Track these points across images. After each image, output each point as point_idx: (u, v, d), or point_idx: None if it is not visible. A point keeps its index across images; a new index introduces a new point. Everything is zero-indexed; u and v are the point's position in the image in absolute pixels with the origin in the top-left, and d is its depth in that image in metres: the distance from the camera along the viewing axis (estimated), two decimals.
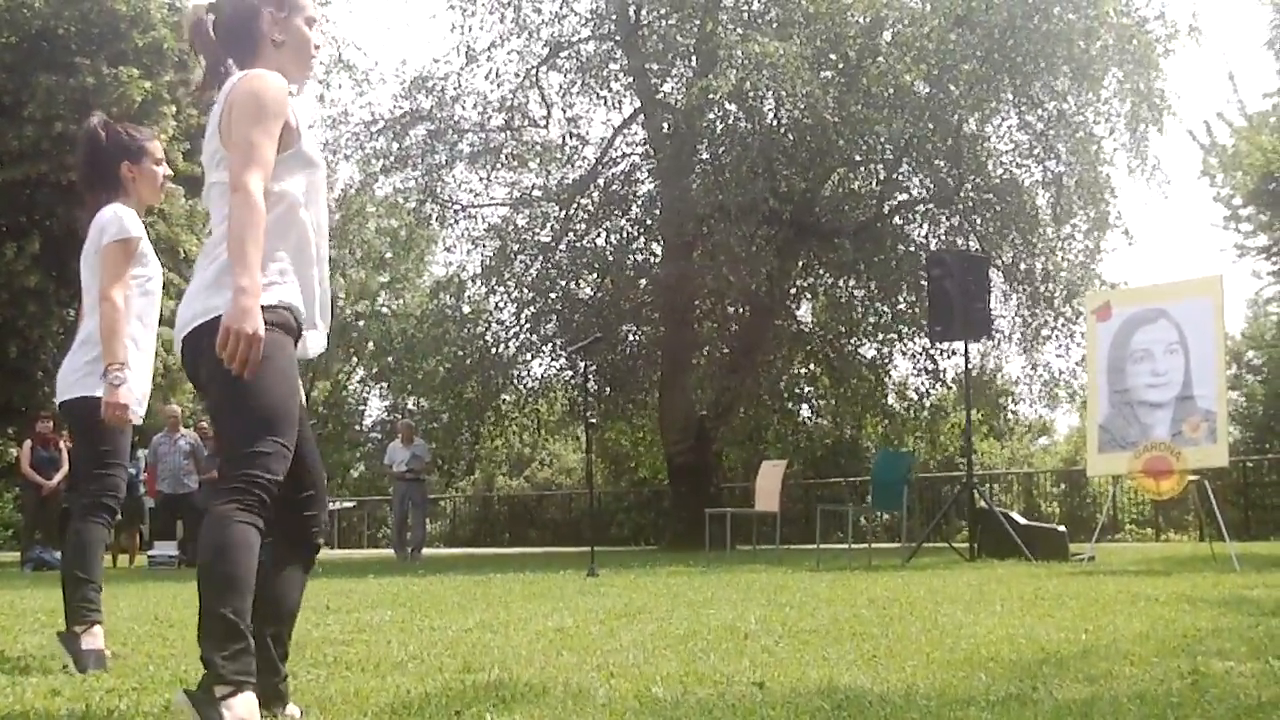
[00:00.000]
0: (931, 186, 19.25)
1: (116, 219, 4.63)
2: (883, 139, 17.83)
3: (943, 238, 19.57)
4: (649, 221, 20.63)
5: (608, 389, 21.47)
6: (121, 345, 4.51)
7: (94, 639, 4.34)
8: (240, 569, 2.97)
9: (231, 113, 3.19)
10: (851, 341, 21.54)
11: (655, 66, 19.46)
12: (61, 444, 15.18)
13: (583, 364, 17.05)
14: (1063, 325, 19.22)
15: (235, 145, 3.15)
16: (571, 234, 20.89)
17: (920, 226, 20.38)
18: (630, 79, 20.18)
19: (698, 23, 18.27)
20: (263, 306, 3.03)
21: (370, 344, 35.21)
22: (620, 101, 20.92)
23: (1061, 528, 13.40)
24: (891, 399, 21.64)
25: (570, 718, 3.11)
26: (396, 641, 5.03)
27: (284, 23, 3.38)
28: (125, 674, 4.05)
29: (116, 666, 4.29)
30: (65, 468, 15.07)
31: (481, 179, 21.33)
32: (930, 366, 20.67)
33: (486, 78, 20.72)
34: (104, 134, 4.76)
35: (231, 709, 2.81)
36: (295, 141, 3.27)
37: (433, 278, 31.43)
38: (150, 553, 16.82)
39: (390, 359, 24.32)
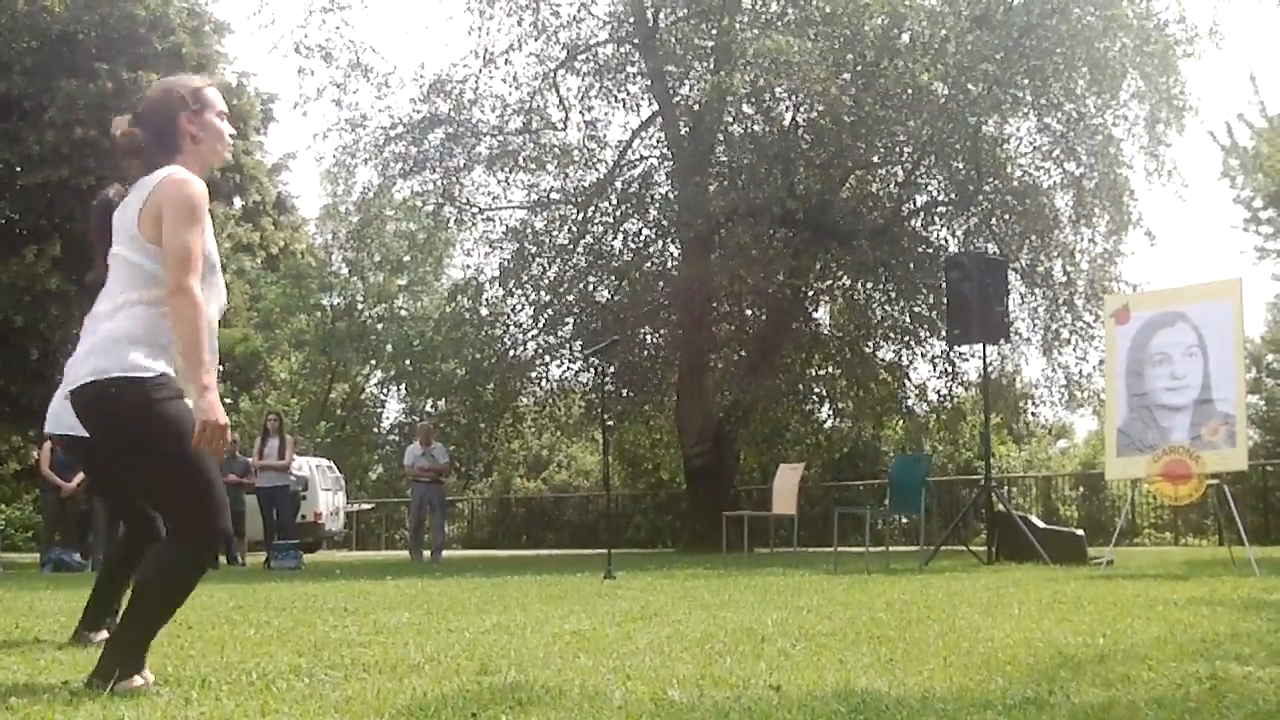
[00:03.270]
0: (950, 188, 19.20)
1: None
2: (901, 140, 17.80)
3: (961, 240, 19.52)
4: (666, 224, 20.64)
5: (625, 391, 21.47)
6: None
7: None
8: (177, 608, 3.81)
9: (163, 211, 3.71)
10: (870, 344, 21.50)
11: (673, 69, 19.46)
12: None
13: (600, 366, 17.08)
14: (1082, 328, 19.14)
15: (173, 248, 3.68)
16: (589, 236, 20.91)
17: (939, 228, 20.33)
18: (648, 81, 20.19)
19: (715, 24, 18.26)
20: (165, 376, 3.69)
21: (389, 346, 35.31)
22: (638, 104, 20.95)
23: (1080, 531, 13.35)
24: (911, 401, 21.59)
25: None
26: (414, 643, 5.04)
27: (199, 120, 3.95)
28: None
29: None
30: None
31: (499, 182, 21.39)
32: (949, 369, 20.63)
33: (504, 81, 20.83)
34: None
35: (133, 682, 3.63)
36: (203, 238, 3.81)
37: (451, 280, 31.53)
38: None
39: (408, 361, 24.38)
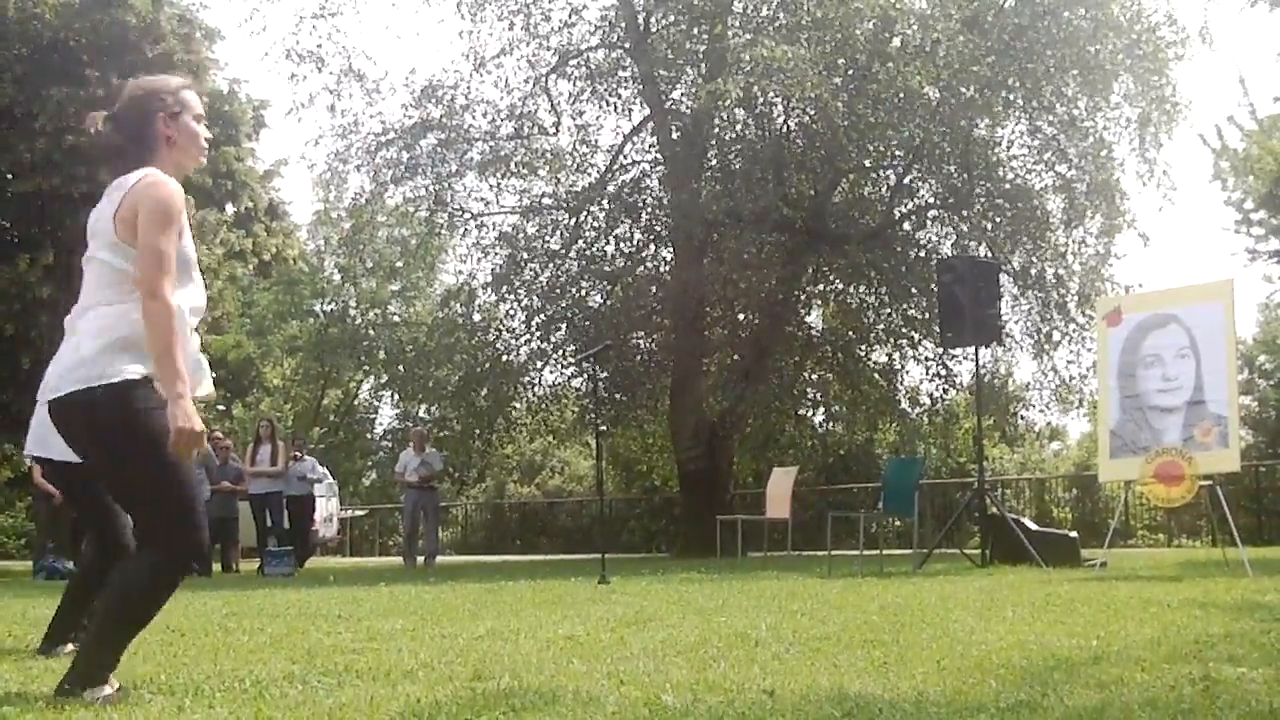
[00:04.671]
0: (942, 192, 19.22)
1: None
2: (893, 144, 17.82)
3: (953, 243, 19.54)
4: (659, 228, 20.65)
5: (618, 396, 21.45)
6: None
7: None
8: (150, 618, 3.82)
9: (138, 213, 3.68)
10: (863, 347, 21.51)
11: (664, 73, 19.46)
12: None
13: (593, 371, 17.04)
14: (1074, 331, 19.17)
15: (147, 252, 3.65)
16: (581, 241, 20.91)
17: (931, 232, 20.35)
18: (640, 86, 20.19)
19: (706, 29, 18.27)
20: (147, 380, 3.67)
21: (381, 352, 35.29)
22: (630, 109, 20.94)
23: (1073, 533, 13.36)
24: (904, 405, 21.59)
25: None
26: (407, 649, 5.03)
27: (175, 122, 3.91)
28: (137, 682, 4.06)
29: (126, 674, 4.29)
30: None
31: (491, 187, 21.37)
32: (942, 372, 20.64)
33: (496, 86, 20.81)
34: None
35: (101, 690, 3.62)
36: (181, 241, 3.79)
37: (443, 286, 31.55)
38: None
39: (401, 367, 24.35)
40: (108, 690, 3.63)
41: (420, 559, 17.56)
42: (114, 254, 3.73)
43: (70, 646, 5.10)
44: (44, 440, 5.50)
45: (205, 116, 4.09)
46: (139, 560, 3.83)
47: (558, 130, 21.08)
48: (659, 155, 20.34)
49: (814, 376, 22.52)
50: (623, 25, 20.04)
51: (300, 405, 40.55)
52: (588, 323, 20.34)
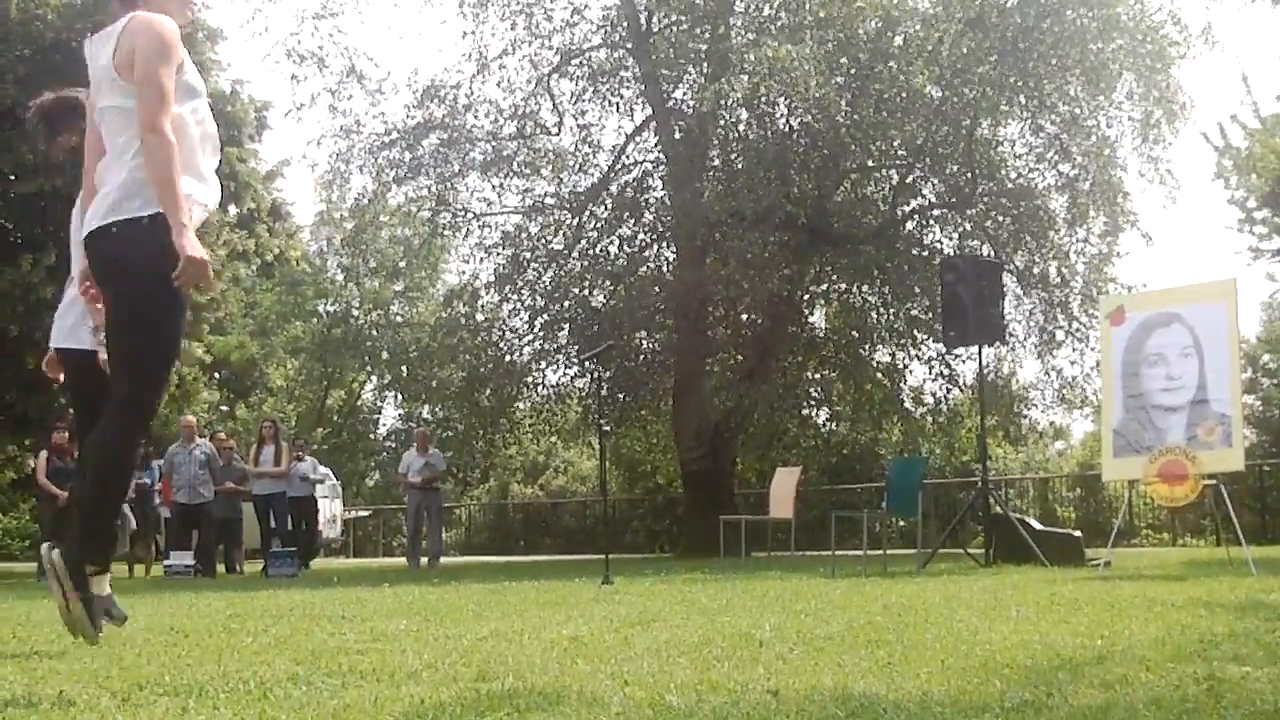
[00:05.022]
0: (945, 191, 19.22)
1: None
2: (896, 143, 17.81)
3: (956, 242, 19.54)
4: (661, 228, 20.66)
5: (622, 396, 21.47)
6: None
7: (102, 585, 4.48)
8: (124, 486, 3.95)
9: (135, 49, 3.72)
10: (866, 347, 21.51)
11: (667, 73, 19.47)
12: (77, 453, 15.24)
13: (596, 371, 17.04)
14: (1077, 330, 19.17)
15: (146, 85, 3.69)
16: (584, 241, 20.92)
17: (934, 231, 20.38)
18: (642, 86, 20.21)
19: (709, 29, 18.28)
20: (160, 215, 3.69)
21: (384, 353, 35.33)
22: (632, 108, 20.97)
23: (1077, 533, 13.35)
24: (907, 404, 21.59)
25: None
26: (411, 650, 5.03)
27: None
28: (140, 683, 4.06)
29: (129, 676, 4.30)
30: None
31: (494, 187, 21.41)
32: (945, 372, 20.65)
33: (498, 86, 20.82)
34: None
35: (98, 582, 3.81)
36: (183, 74, 3.84)
37: (446, 286, 31.55)
38: (166, 562, 16.84)
39: (404, 368, 24.40)
40: (107, 590, 3.85)
41: (424, 560, 17.56)
42: (122, 96, 3.79)
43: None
44: (73, 330, 5.47)
45: None
46: (104, 424, 3.91)
47: (560, 130, 21.11)
48: (661, 155, 20.35)
49: (817, 376, 22.54)
50: (625, 25, 20.06)
51: (303, 406, 40.60)
52: (591, 323, 20.35)
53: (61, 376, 5.57)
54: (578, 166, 21.17)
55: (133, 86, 3.73)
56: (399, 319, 37.99)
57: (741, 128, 19.38)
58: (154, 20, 3.76)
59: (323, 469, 18.37)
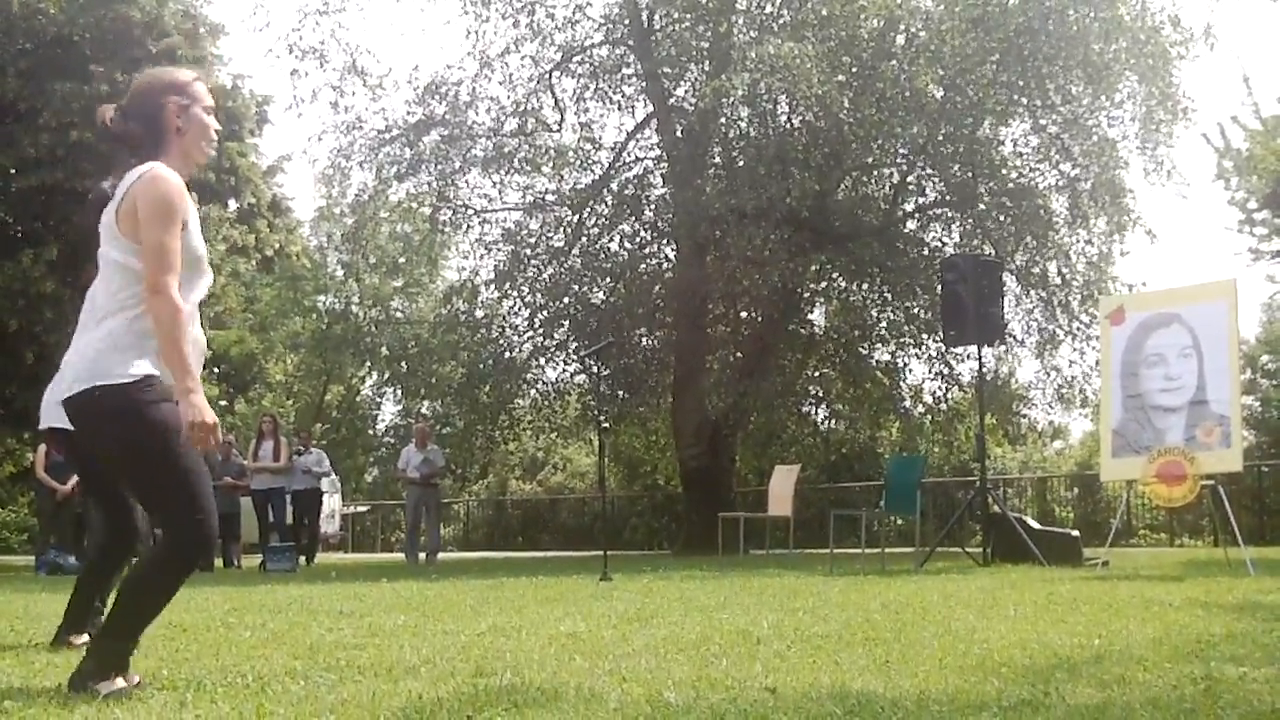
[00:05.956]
0: (946, 190, 19.20)
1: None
2: (897, 142, 17.80)
3: (957, 241, 19.53)
4: (662, 225, 20.65)
5: (621, 393, 21.45)
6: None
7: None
8: (160, 610, 3.84)
9: (138, 209, 3.70)
10: (865, 345, 21.50)
11: (668, 70, 19.45)
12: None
13: (596, 368, 17.03)
14: (1078, 329, 19.14)
15: (150, 248, 3.66)
16: (585, 238, 20.91)
17: (935, 230, 20.35)
18: (643, 83, 20.19)
19: (710, 26, 18.26)
20: (151, 378, 3.68)
21: (384, 349, 35.30)
22: (633, 106, 20.96)
23: (1075, 532, 13.34)
24: (906, 403, 21.59)
25: None
26: (409, 646, 5.04)
27: (185, 112, 3.91)
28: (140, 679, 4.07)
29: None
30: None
31: (495, 184, 21.39)
32: (945, 371, 20.64)
33: (500, 83, 20.81)
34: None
35: (115, 683, 3.63)
36: (187, 234, 3.79)
37: (446, 283, 31.54)
38: None
39: (404, 364, 24.37)
40: (120, 683, 3.65)
41: (422, 555, 17.56)
42: (117, 249, 3.76)
43: (85, 637, 5.12)
44: (52, 410, 5.46)
45: (214, 109, 4.09)
46: (155, 552, 3.89)
47: (561, 127, 21.09)
48: (662, 152, 20.34)
49: (817, 374, 22.53)
50: (626, 22, 20.05)
51: (302, 401, 40.62)
52: (590, 320, 20.33)
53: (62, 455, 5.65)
54: (579, 163, 21.13)
55: (128, 243, 3.72)
56: (399, 315, 37.97)
57: (743, 125, 19.35)
58: (159, 180, 3.72)
59: (326, 463, 18.36)
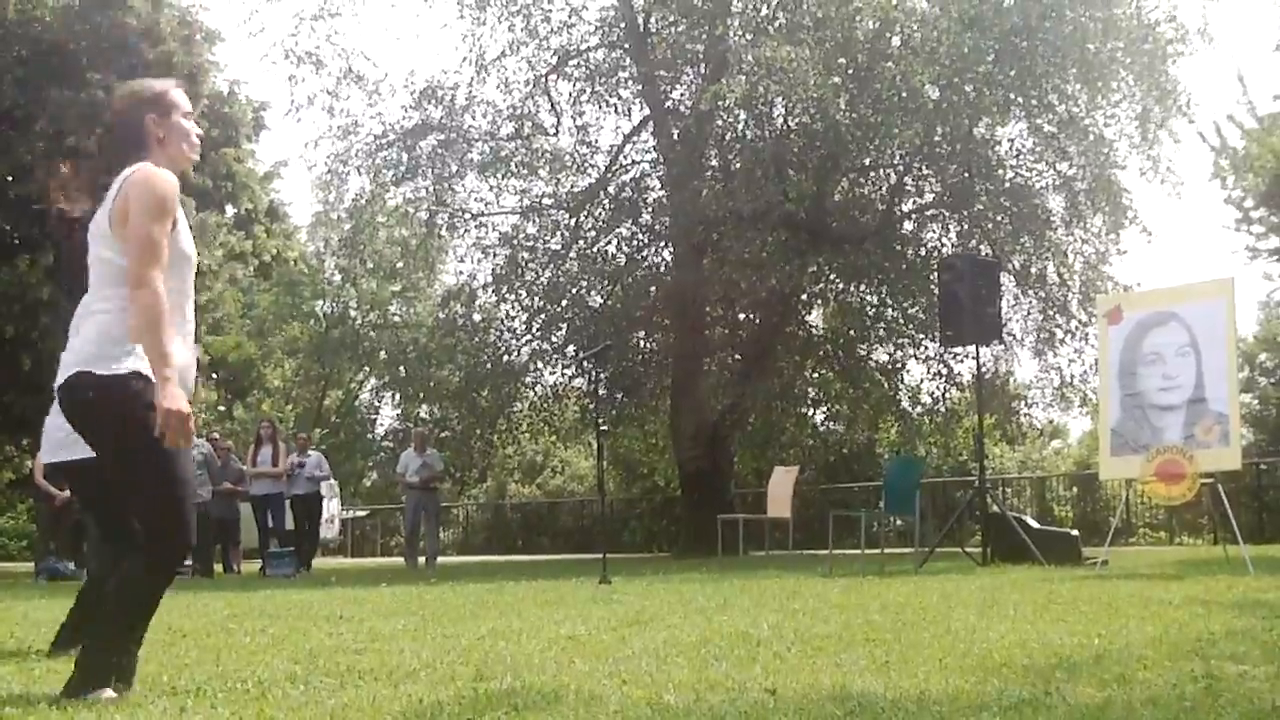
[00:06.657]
0: (943, 191, 19.21)
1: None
2: (894, 143, 17.81)
3: (954, 242, 19.53)
4: (659, 228, 20.65)
5: (619, 396, 21.46)
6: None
7: None
8: (147, 618, 3.85)
9: (129, 204, 3.73)
10: (863, 346, 21.50)
11: (664, 74, 19.46)
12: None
13: (594, 371, 17.02)
14: (1075, 329, 19.14)
15: (136, 240, 3.69)
16: (582, 241, 20.91)
17: (932, 231, 20.35)
18: (639, 86, 20.19)
19: (706, 29, 18.27)
20: (139, 374, 3.68)
21: (382, 353, 35.33)
22: (630, 109, 20.95)
23: (1074, 532, 13.35)
24: (905, 404, 21.59)
25: None
26: (409, 650, 5.03)
27: (166, 121, 3.99)
28: (139, 683, 4.06)
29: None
30: None
31: (492, 188, 21.37)
32: (943, 371, 20.64)
33: (496, 87, 20.80)
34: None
35: (102, 694, 3.64)
36: (176, 235, 3.83)
37: (444, 287, 31.50)
38: None
39: (402, 368, 24.39)
40: (108, 694, 3.66)
41: (421, 560, 17.55)
42: (109, 249, 3.79)
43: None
44: (62, 444, 5.45)
45: (194, 114, 4.16)
46: (132, 559, 3.88)
47: (558, 131, 21.09)
48: (659, 155, 20.34)
49: (815, 375, 22.53)
50: (622, 25, 20.05)
51: (301, 406, 40.60)
52: (588, 323, 20.34)
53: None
54: (575, 167, 21.15)
55: (121, 242, 3.75)
56: (397, 319, 38.00)
57: (739, 128, 19.35)
58: (152, 176, 3.77)
59: (326, 467, 18.34)
